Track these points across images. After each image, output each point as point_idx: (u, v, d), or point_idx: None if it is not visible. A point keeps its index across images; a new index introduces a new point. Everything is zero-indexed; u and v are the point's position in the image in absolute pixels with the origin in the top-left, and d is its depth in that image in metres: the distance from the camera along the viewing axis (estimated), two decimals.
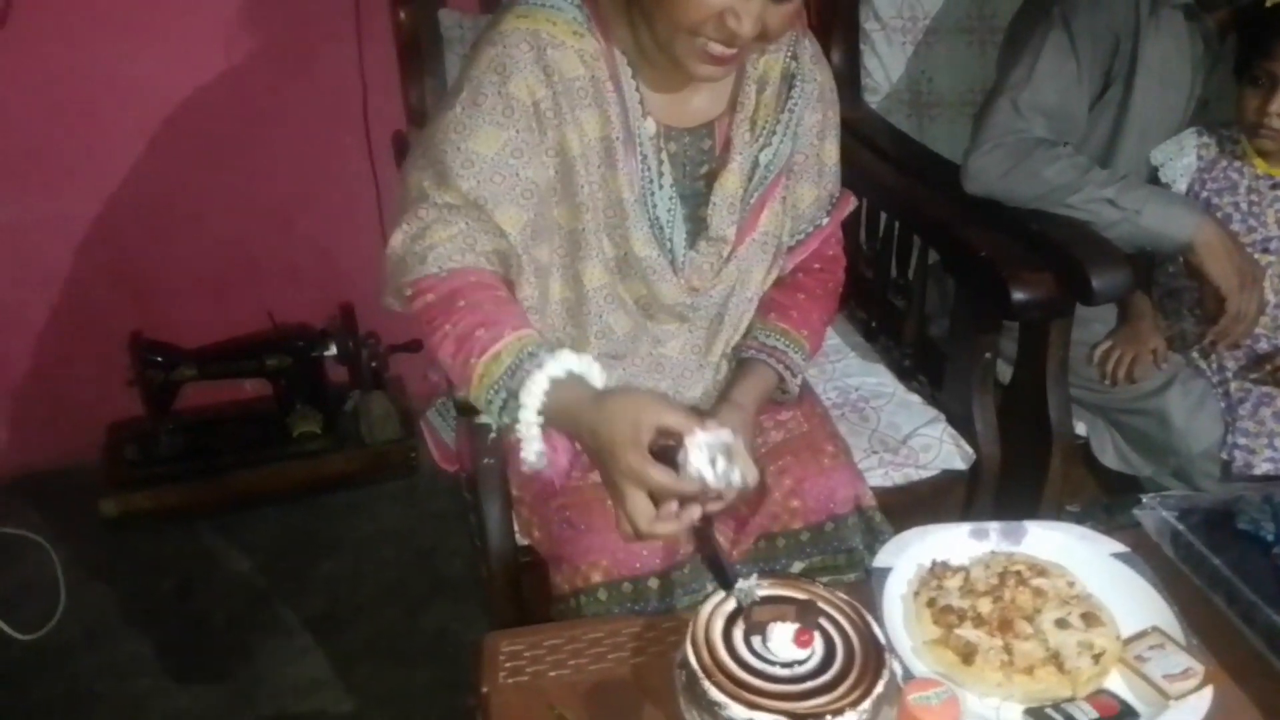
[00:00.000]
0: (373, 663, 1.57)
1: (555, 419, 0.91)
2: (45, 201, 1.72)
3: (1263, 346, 1.35)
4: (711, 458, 0.85)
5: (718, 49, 0.94)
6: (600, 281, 1.07)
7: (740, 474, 0.86)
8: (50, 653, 1.59)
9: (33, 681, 1.55)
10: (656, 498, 0.86)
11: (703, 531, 0.93)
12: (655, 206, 1.06)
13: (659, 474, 0.84)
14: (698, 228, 1.09)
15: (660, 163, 1.06)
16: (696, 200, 1.09)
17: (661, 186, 1.06)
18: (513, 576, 1.15)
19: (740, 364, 1.15)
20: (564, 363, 0.90)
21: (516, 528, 1.15)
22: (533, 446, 0.92)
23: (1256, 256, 1.33)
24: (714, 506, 0.89)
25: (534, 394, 0.90)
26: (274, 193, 1.81)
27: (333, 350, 1.78)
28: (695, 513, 0.86)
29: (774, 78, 1.09)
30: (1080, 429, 1.43)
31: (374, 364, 1.82)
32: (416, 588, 1.69)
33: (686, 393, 1.15)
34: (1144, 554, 0.97)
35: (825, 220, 1.20)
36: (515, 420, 0.91)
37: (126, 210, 1.76)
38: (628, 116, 1.03)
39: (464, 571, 1.69)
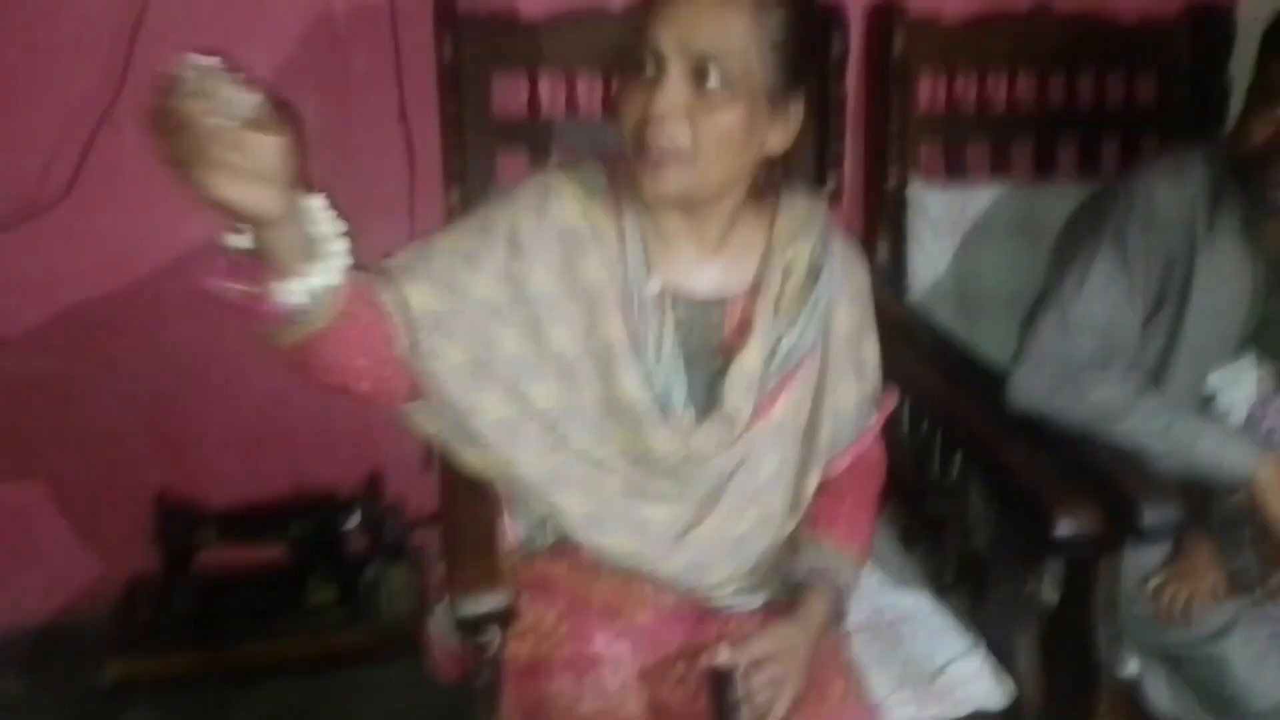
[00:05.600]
0: None
1: None
2: (92, 354, 1.75)
3: None
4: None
5: (653, 148, 0.97)
6: (552, 403, 1.08)
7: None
8: None
9: None
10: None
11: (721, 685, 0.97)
12: (650, 360, 1.06)
13: None
14: (711, 402, 1.09)
15: (663, 322, 1.07)
16: (710, 374, 1.10)
17: (663, 346, 1.07)
18: None
19: (794, 590, 1.13)
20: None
21: None
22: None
23: None
24: None
25: None
26: None
27: (356, 520, 1.75)
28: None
29: (800, 266, 1.11)
30: (1132, 668, 1.33)
31: (397, 534, 1.78)
32: None
33: (660, 566, 1.11)
34: None
35: (871, 419, 1.20)
36: None
37: (169, 367, 1.77)
38: (628, 270, 1.06)
39: None
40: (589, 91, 1.66)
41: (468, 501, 1.15)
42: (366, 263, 1.08)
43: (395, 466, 1.79)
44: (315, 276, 0.89)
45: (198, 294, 1.72)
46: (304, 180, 0.88)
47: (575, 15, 1.60)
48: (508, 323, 1.05)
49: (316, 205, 0.90)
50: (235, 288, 0.89)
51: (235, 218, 0.83)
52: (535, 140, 1.63)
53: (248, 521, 1.76)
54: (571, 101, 1.64)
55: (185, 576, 1.74)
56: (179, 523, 1.70)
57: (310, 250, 0.89)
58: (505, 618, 1.00)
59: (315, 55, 1.66)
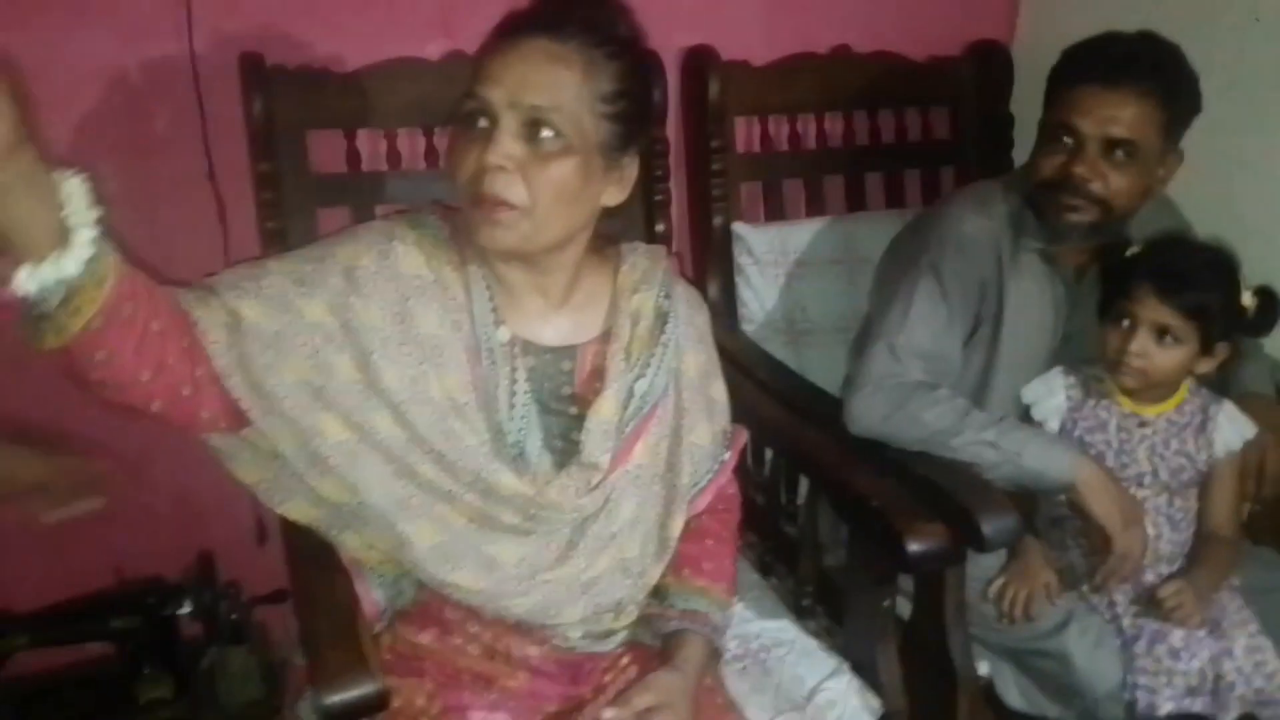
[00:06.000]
0: None
1: None
2: None
3: (1149, 579, 1.37)
4: None
5: (487, 199, 0.97)
6: (393, 433, 1.03)
7: None
8: None
9: None
10: None
11: None
12: (503, 409, 1.06)
13: None
14: (569, 449, 1.09)
15: (514, 370, 1.06)
16: (565, 423, 1.09)
17: (515, 393, 1.06)
18: None
19: (669, 637, 1.13)
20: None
21: None
22: None
23: (1132, 492, 1.36)
24: None
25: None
26: (126, 433, 1.68)
27: (188, 607, 1.63)
28: None
29: (647, 313, 1.12)
30: (984, 668, 1.41)
31: (234, 617, 1.67)
32: None
33: (510, 605, 1.08)
34: None
35: (726, 455, 1.23)
36: None
37: None
38: (474, 320, 1.04)
39: None
40: (410, 144, 1.63)
41: (319, 579, 1.10)
42: (181, 279, 1.02)
43: (226, 543, 1.69)
44: (48, 267, 0.80)
45: None
46: (45, 163, 0.80)
47: (391, 67, 1.57)
48: (341, 350, 1.02)
49: (68, 187, 0.81)
50: None
51: None
52: (356, 195, 1.59)
53: (64, 621, 1.60)
54: (392, 154, 1.61)
55: None
56: None
57: (50, 241, 0.80)
58: (376, 704, 0.95)
59: (114, 117, 1.55)
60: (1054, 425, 1.41)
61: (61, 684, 1.67)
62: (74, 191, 0.81)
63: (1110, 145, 1.31)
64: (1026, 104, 1.84)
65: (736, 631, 1.36)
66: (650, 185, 1.71)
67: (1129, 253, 1.36)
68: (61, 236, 0.80)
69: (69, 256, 0.80)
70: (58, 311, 0.82)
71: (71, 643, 1.63)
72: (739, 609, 1.41)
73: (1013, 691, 1.41)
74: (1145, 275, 1.32)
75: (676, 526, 1.15)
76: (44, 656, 1.64)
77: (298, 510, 1.09)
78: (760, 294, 1.79)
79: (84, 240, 0.81)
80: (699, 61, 1.77)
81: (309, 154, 1.55)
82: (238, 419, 1.01)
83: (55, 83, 1.50)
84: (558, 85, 0.97)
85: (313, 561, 1.11)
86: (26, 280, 0.80)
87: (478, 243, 1.01)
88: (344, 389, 1.02)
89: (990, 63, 1.94)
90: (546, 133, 0.97)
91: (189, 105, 1.56)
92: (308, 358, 1.00)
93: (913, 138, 1.94)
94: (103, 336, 0.86)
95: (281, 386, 0.99)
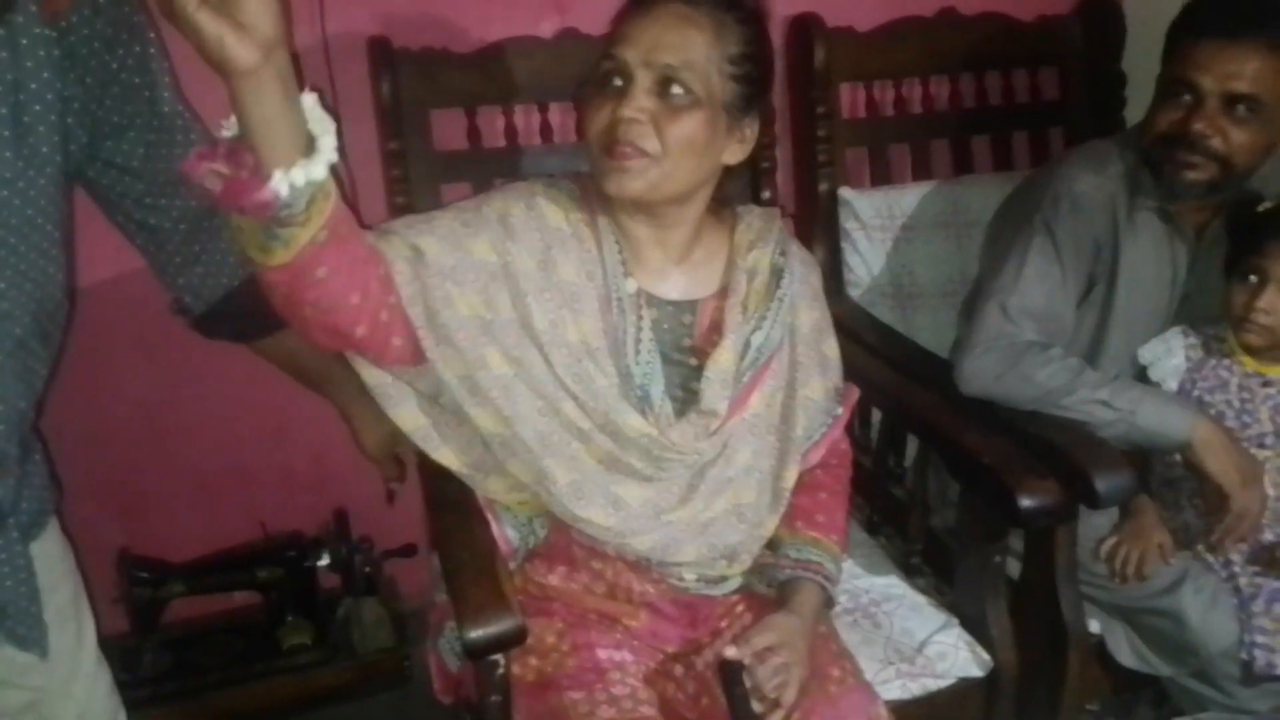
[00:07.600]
0: None
1: None
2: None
3: (1267, 538, 1.36)
4: None
5: (620, 144, 1.03)
6: (544, 371, 1.10)
7: None
8: None
9: None
10: None
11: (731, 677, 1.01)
12: (630, 356, 1.11)
13: None
14: (689, 398, 1.14)
15: (640, 318, 1.12)
16: (686, 373, 1.15)
17: (641, 341, 1.12)
18: None
19: (783, 584, 1.18)
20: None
21: None
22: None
23: (1253, 452, 1.35)
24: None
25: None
26: (267, 400, 1.80)
27: (325, 560, 1.74)
28: None
29: (762, 270, 1.18)
30: (1094, 627, 1.41)
31: (367, 569, 1.78)
32: None
33: (635, 542, 1.14)
34: None
35: (839, 410, 1.26)
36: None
37: (116, 424, 1.75)
38: (606, 271, 1.11)
39: None
40: (525, 120, 1.69)
41: (459, 523, 1.17)
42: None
43: (358, 503, 1.79)
44: (299, 169, 0.83)
45: (142, 343, 1.72)
46: (293, 73, 0.83)
47: (507, 45, 1.63)
48: (503, 289, 1.10)
49: (305, 99, 0.84)
50: (216, 169, 0.84)
51: (209, 60, 0.78)
52: (477, 170, 1.66)
53: (214, 571, 1.73)
54: (510, 130, 1.67)
55: (155, 632, 1.71)
56: (144, 579, 1.67)
57: (297, 145, 0.83)
58: (516, 639, 1.02)
59: None
60: (1172, 385, 1.41)
61: (212, 629, 1.81)
62: (311, 103, 0.84)
63: (1232, 101, 1.28)
64: (1139, 62, 1.81)
65: (846, 586, 1.39)
66: (757, 152, 1.72)
67: (1260, 208, 1.33)
68: (305, 144, 0.83)
69: (317, 161, 0.83)
70: (295, 219, 0.86)
71: (221, 591, 1.77)
72: (848, 564, 1.45)
73: (1124, 650, 1.41)
74: (1277, 230, 1.30)
75: (790, 478, 1.20)
76: (197, 604, 1.78)
77: (449, 457, 1.16)
78: (867, 259, 1.81)
79: (328, 146, 0.84)
80: (804, 29, 1.78)
81: (433, 132, 1.63)
82: (419, 352, 1.08)
83: (201, 69, 1.60)
84: (688, 45, 1.04)
85: (451, 507, 1.19)
86: (280, 182, 0.82)
87: (606, 191, 1.07)
88: (505, 325, 1.09)
89: (1101, 20, 1.90)
90: (677, 89, 1.04)
91: (322, 87, 1.65)
92: (478, 292, 1.08)
93: (1020, 99, 1.92)
94: (325, 251, 0.90)
95: (455, 319, 1.06)
